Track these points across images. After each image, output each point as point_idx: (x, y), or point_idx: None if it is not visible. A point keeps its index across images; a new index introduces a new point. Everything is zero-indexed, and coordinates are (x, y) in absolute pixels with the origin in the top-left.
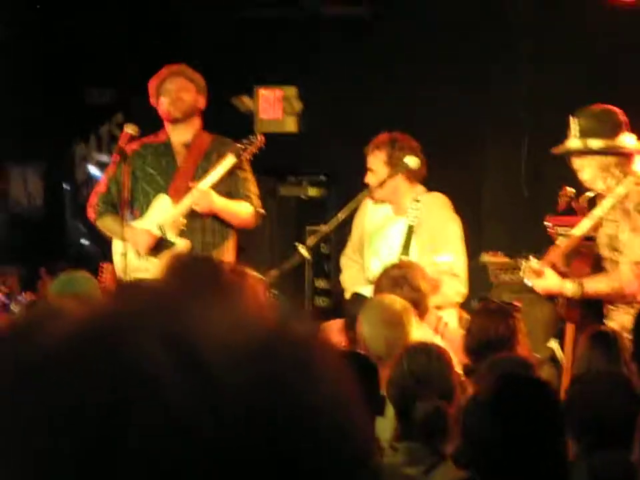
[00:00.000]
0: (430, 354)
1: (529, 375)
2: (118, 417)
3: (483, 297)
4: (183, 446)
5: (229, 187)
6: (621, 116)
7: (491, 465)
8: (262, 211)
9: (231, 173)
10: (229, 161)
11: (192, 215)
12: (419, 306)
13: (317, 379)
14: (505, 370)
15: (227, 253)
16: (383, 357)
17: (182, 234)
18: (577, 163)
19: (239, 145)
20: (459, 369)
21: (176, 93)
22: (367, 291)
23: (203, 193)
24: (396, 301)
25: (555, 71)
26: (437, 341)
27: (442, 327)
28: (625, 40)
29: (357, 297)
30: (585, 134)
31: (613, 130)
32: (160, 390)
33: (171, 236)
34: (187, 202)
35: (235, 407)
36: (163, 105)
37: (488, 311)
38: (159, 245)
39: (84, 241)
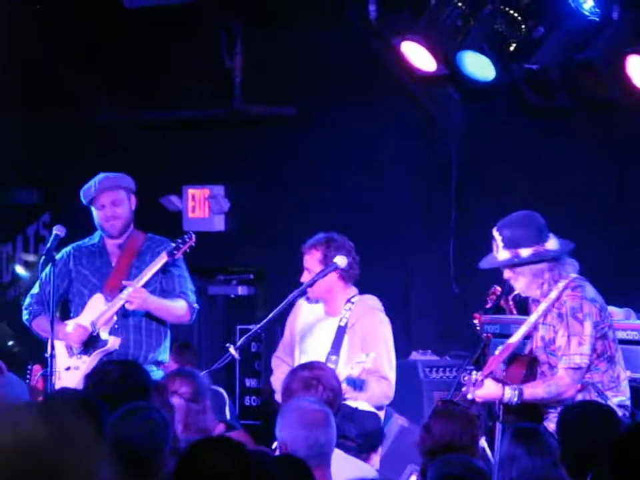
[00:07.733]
0: None
1: None
2: None
3: (446, 398)
4: None
5: (164, 284)
6: (541, 219)
7: None
8: (196, 305)
9: (166, 271)
10: (161, 260)
11: (125, 314)
12: (333, 405)
13: None
14: (453, 471)
15: (163, 352)
16: (306, 459)
17: (115, 333)
18: (509, 273)
19: (172, 244)
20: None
21: (110, 209)
22: None
23: (136, 291)
24: (314, 402)
25: (481, 168)
26: None
27: None
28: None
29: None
30: (513, 244)
31: (539, 235)
32: None
33: (103, 333)
34: (120, 300)
35: None
36: (98, 218)
37: (451, 414)
38: (91, 342)
39: (10, 343)
